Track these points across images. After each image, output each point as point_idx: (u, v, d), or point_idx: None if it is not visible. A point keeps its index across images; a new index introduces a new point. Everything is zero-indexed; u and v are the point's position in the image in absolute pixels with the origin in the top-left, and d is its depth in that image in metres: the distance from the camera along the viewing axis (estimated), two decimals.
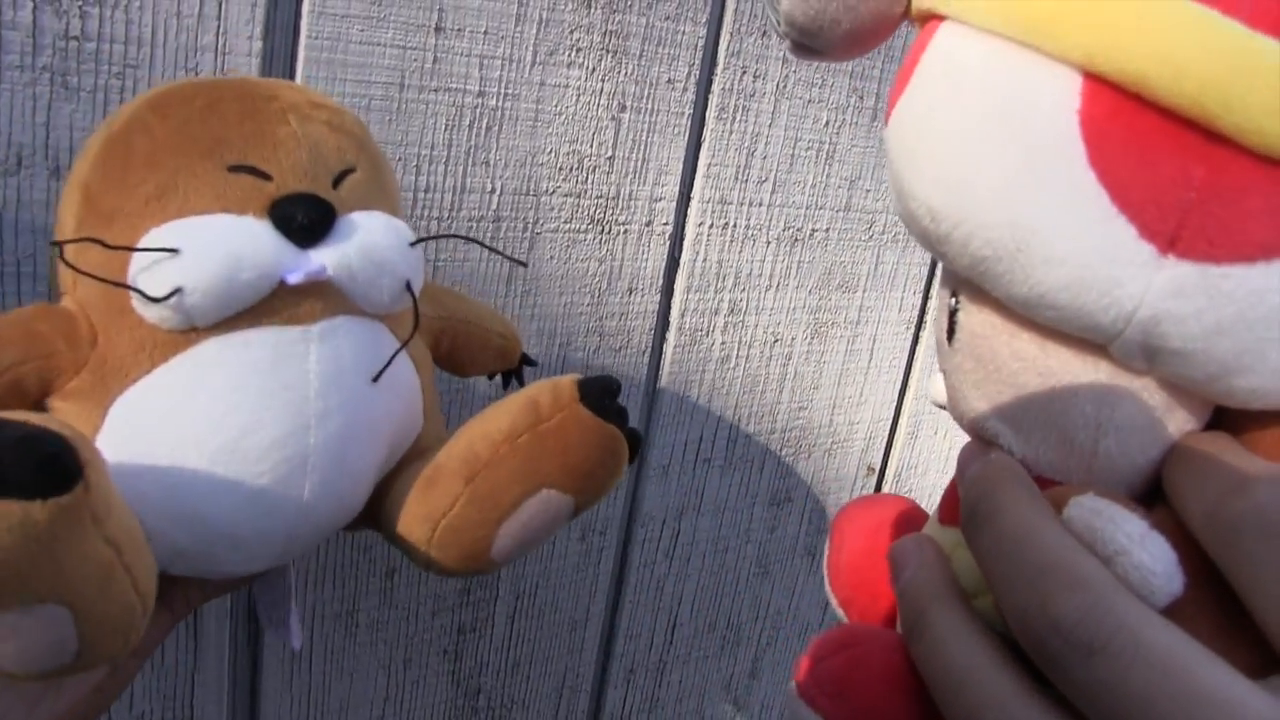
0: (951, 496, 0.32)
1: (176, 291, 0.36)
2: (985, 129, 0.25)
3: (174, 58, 0.49)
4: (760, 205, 0.72)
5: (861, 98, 0.74)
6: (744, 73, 0.67)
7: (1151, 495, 0.27)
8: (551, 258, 0.64)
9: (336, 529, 0.44)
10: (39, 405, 0.38)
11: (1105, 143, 0.23)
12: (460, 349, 0.52)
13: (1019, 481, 0.26)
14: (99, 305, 0.38)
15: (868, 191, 0.77)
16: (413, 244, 0.43)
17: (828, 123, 0.73)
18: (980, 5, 0.25)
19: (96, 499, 0.30)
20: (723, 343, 0.74)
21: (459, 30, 0.56)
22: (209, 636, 0.59)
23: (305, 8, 0.52)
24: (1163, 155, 0.23)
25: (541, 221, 0.62)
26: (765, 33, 0.67)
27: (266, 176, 0.39)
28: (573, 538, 0.72)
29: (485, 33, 0.57)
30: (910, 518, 0.39)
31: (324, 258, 0.39)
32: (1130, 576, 0.23)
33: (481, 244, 0.50)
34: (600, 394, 0.46)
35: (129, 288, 0.37)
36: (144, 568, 0.33)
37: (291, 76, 0.52)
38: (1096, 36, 0.23)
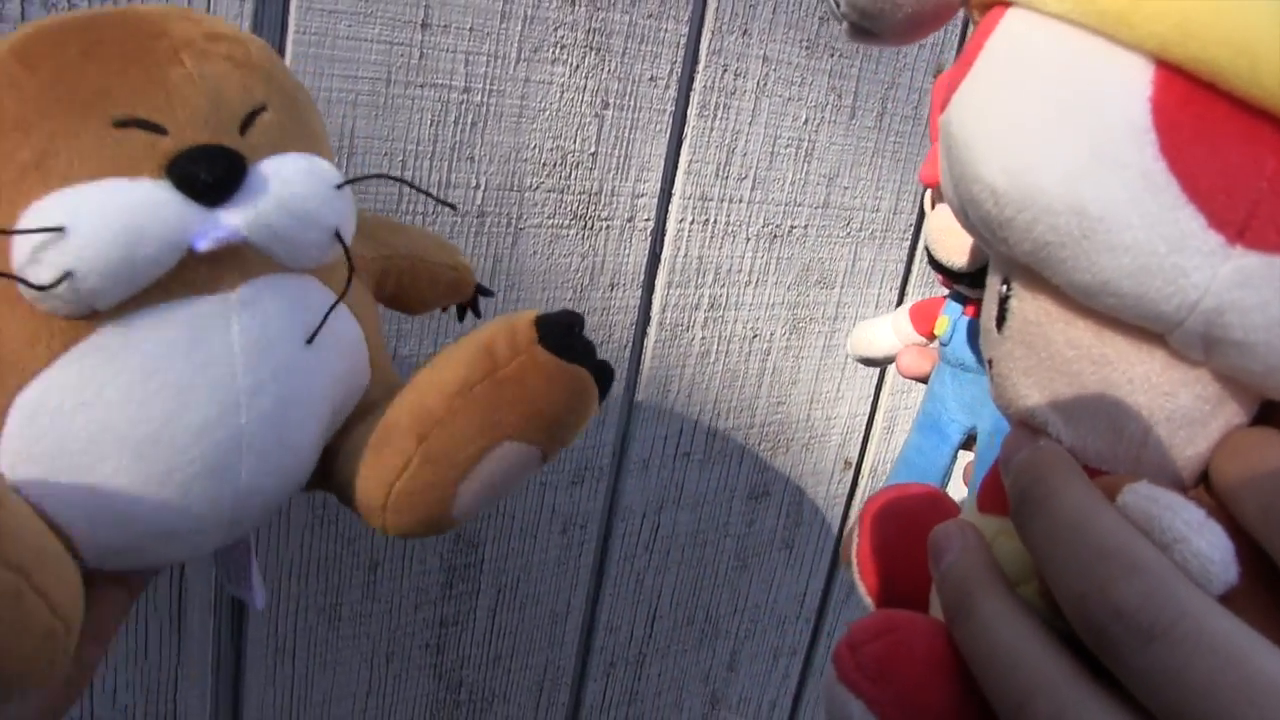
0: (992, 485, 0.32)
1: (67, 276, 0.32)
2: (1055, 116, 0.25)
3: None
4: (740, 202, 0.73)
5: (840, 96, 0.75)
6: (725, 71, 0.68)
7: (1193, 488, 0.27)
8: (535, 253, 0.64)
9: (285, 501, 0.41)
10: None
11: (1177, 132, 0.23)
12: (408, 288, 0.48)
13: (1071, 468, 0.26)
14: None
15: (845, 189, 0.78)
16: (339, 186, 0.38)
17: (807, 120, 0.74)
18: None
19: (4, 532, 0.28)
20: (703, 338, 0.75)
21: (445, 26, 0.56)
22: (192, 629, 0.59)
23: (293, 3, 0.52)
24: (1235, 145, 0.23)
25: (525, 217, 0.63)
26: (746, 31, 0.68)
27: (160, 130, 0.34)
28: (554, 531, 0.73)
29: (471, 29, 0.57)
30: (939, 505, 0.39)
31: (236, 217, 0.35)
32: (1189, 564, 0.23)
33: (409, 184, 0.45)
34: (562, 332, 0.41)
35: (10, 277, 0.32)
36: (61, 585, 0.31)
37: None
38: (1171, 25, 0.23)
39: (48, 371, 0.33)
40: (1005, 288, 0.29)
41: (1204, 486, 0.27)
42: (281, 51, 0.52)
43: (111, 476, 0.34)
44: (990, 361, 0.31)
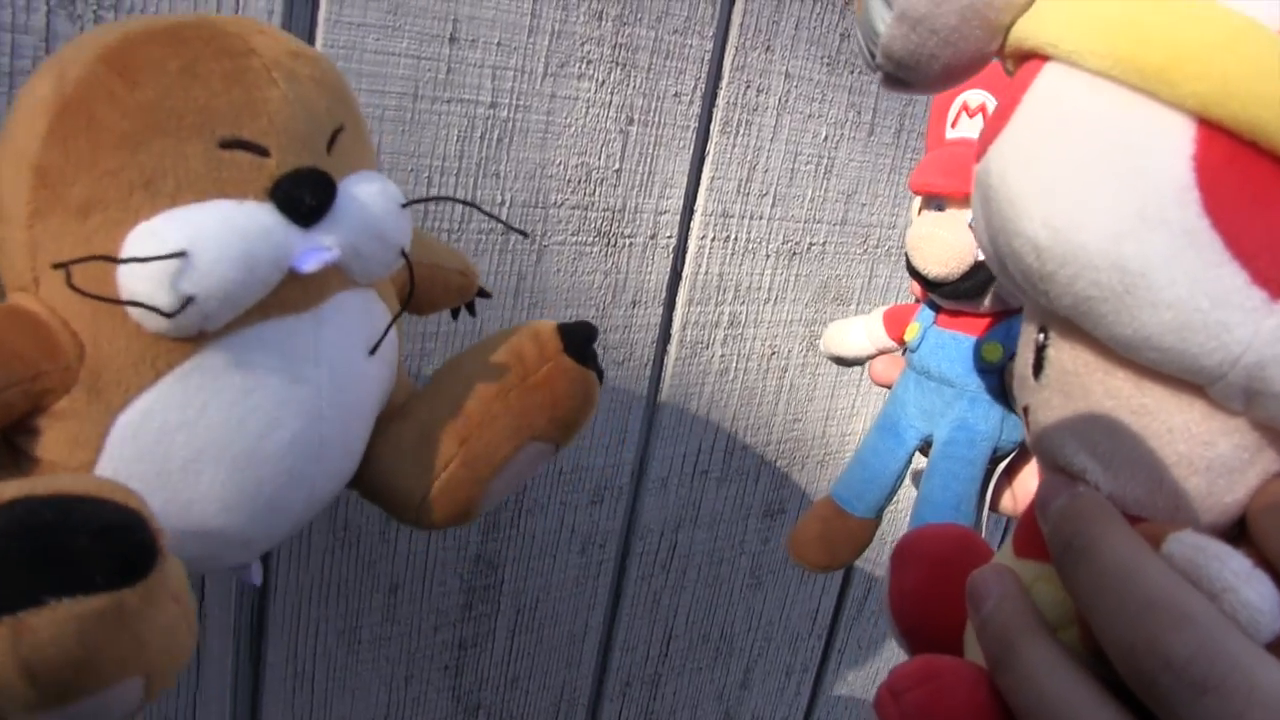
0: (1028, 529, 0.31)
1: (189, 301, 0.32)
2: (1098, 173, 0.25)
3: None
4: (760, 219, 0.72)
5: (859, 113, 0.74)
6: (748, 87, 0.68)
7: (1229, 536, 0.27)
8: (558, 270, 0.63)
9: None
10: (24, 426, 0.34)
11: (1220, 190, 0.23)
12: (423, 292, 0.49)
13: (1113, 516, 0.26)
14: (80, 311, 0.33)
15: (863, 206, 0.78)
16: (403, 206, 0.40)
17: (826, 138, 0.73)
18: (1093, 49, 0.25)
19: (168, 564, 0.29)
20: (722, 355, 0.74)
21: (472, 40, 0.55)
22: (211, 653, 0.57)
23: (321, 16, 0.51)
24: (1277, 202, 0.23)
25: (549, 234, 0.62)
26: (769, 47, 0.68)
27: (264, 152, 0.35)
28: (573, 551, 0.72)
29: (498, 44, 0.56)
30: (972, 548, 0.39)
31: (329, 238, 0.36)
32: (1238, 614, 0.23)
33: (480, 209, 0.46)
34: (583, 342, 0.45)
35: (142, 306, 0.32)
36: (193, 604, 0.32)
37: None
38: (1212, 84, 0.23)
39: (153, 392, 0.34)
40: (1042, 336, 0.29)
41: (1241, 534, 0.27)
42: None
43: (206, 492, 0.35)
44: (1026, 409, 0.31)
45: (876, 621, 0.97)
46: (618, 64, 0.61)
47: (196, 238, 0.32)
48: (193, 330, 0.33)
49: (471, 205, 0.47)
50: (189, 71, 0.34)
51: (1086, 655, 0.26)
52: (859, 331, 0.65)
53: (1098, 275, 0.25)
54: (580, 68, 0.60)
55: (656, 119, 0.64)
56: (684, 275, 0.70)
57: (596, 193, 0.63)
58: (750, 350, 0.76)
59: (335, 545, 0.60)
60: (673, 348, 0.71)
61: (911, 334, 0.55)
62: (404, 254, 0.40)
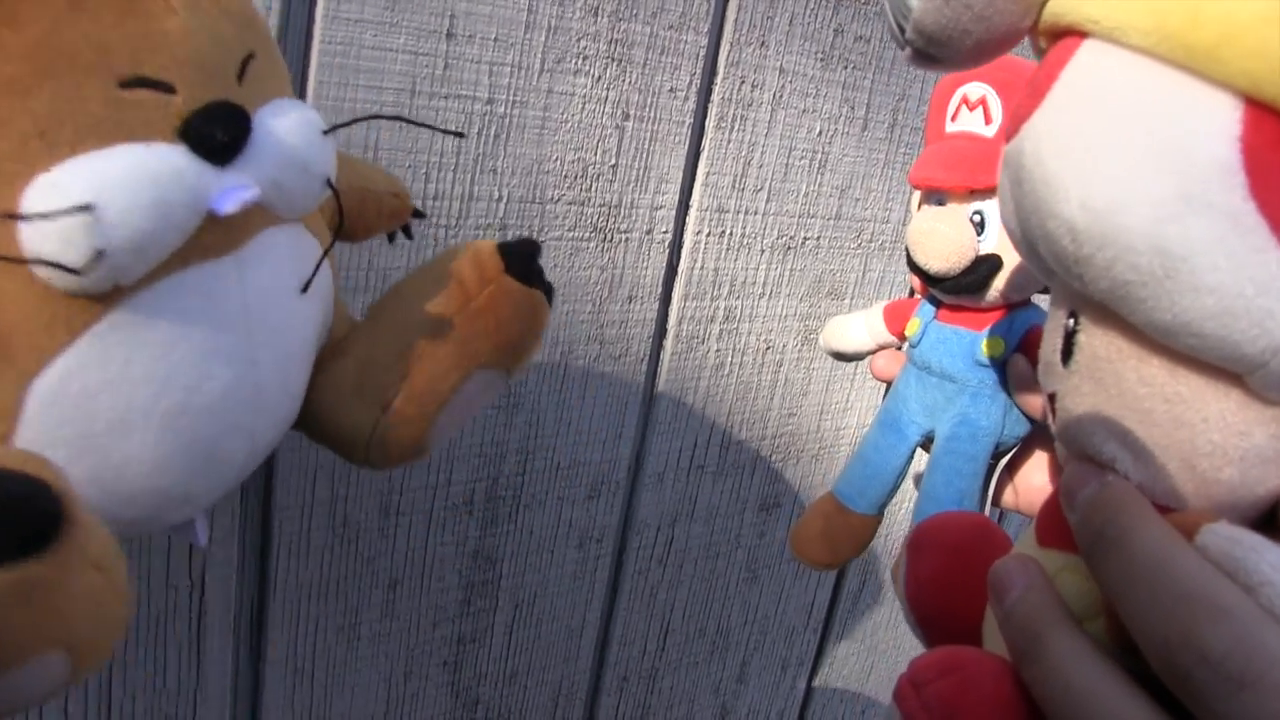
0: (1052, 517, 0.31)
1: (99, 256, 0.29)
2: (1140, 154, 0.24)
3: None
4: (756, 214, 0.72)
5: (853, 108, 0.75)
6: (742, 82, 0.68)
7: (1259, 526, 0.26)
8: (555, 266, 0.63)
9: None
10: None
11: (1267, 172, 0.23)
12: (355, 218, 0.47)
13: (1144, 506, 0.26)
14: None
15: (857, 200, 0.78)
16: (325, 132, 0.37)
17: (821, 132, 0.74)
18: (1135, 25, 0.25)
19: (82, 532, 0.27)
20: (717, 350, 0.75)
21: (470, 36, 0.56)
22: (211, 652, 0.57)
23: (319, 12, 0.51)
24: None
25: (546, 230, 0.62)
26: (763, 42, 0.68)
27: (169, 88, 0.32)
28: (570, 545, 0.72)
29: (495, 39, 0.56)
30: (990, 536, 0.38)
31: (247, 175, 0.34)
32: (1276, 608, 0.22)
33: (414, 122, 0.44)
34: (526, 260, 0.43)
35: (44, 263, 0.29)
36: (122, 570, 0.30)
37: (304, 80, 0.52)
38: (1263, 63, 0.22)
39: (67, 354, 0.31)
40: (1072, 321, 0.29)
41: (1272, 524, 0.26)
42: (306, 61, 0.52)
43: (137, 452, 0.33)
44: (1052, 395, 0.30)
45: (872, 615, 0.98)
46: (614, 59, 0.61)
47: (103, 187, 0.29)
48: (106, 286, 0.31)
49: (405, 120, 0.44)
50: (77, 6, 0.30)
51: (1114, 647, 0.26)
52: (859, 327, 0.65)
53: (1137, 259, 0.24)
54: (576, 63, 0.60)
55: (652, 114, 0.64)
56: (680, 270, 0.70)
57: (593, 188, 0.63)
58: (745, 345, 0.76)
59: (334, 542, 0.60)
60: (669, 343, 0.71)
61: (912, 329, 0.55)
62: (329, 184, 0.37)
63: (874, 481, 0.57)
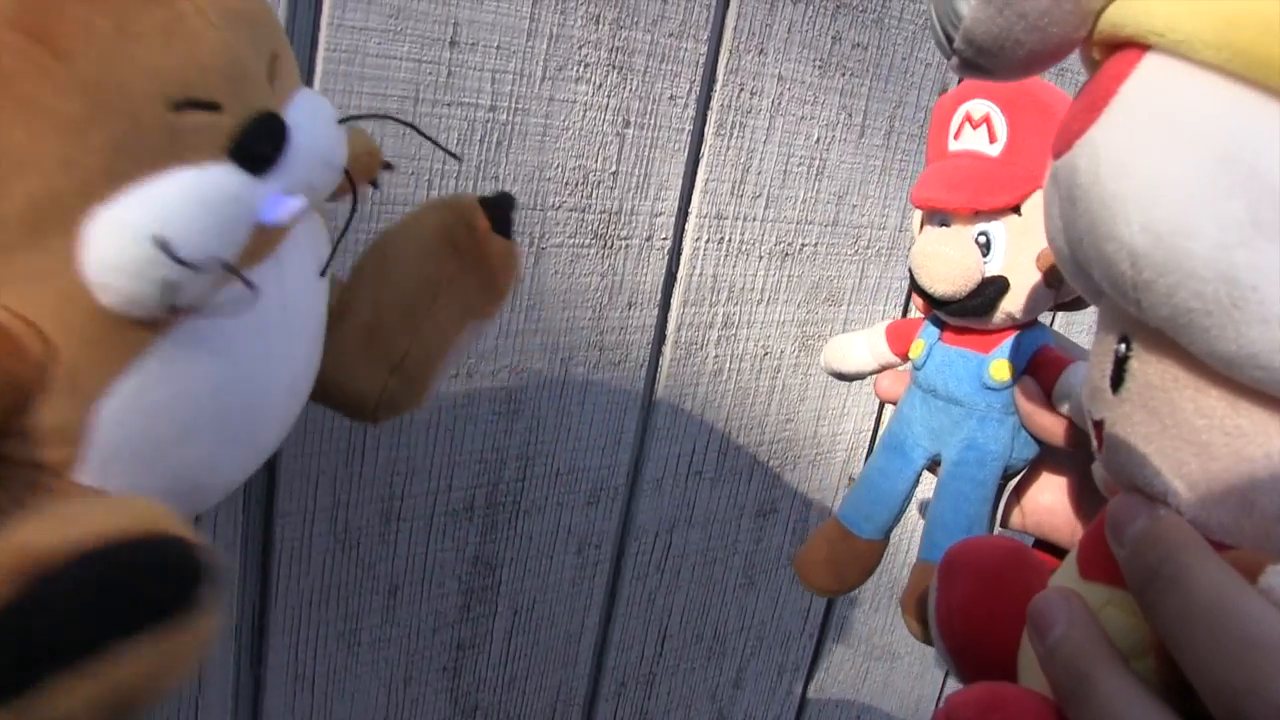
0: (1095, 549, 0.30)
1: (168, 286, 0.30)
2: (1206, 175, 0.23)
3: None
4: (754, 220, 0.73)
5: (850, 115, 0.75)
6: (741, 90, 0.68)
7: None
8: (556, 273, 0.64)
9: None
10: (3, 430, 0.32)
11: None
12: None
13: (1200, 544, 0.25)
14: (43, 304, 0.30)
15: (854, 207, 0.78)
16: (340, 123, 0.38)
17: (819, 139, 0.74)
18: (1205, 39, 0.23)
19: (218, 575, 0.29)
20: (716, 356, 0.75)
21: (473, 44, 0.56)
22: (212, 659, 0.57)
23: (324, 20, 0.51)
24: None
25: (547, 237, 0.63)
26: (762, 50, 0.68)
27: (217, 107, 0.32)
28: (569, 551, 0.72)
29: (498, 47, 0.57)
30: (1025, 562, 0.37)
31: (286, 180, 0.34)
32: None
33: (420, 131, 0.44)
34: (505, 215, 0.45)
35: (128, 304, 0.30)
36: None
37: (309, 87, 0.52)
38: None
39: (131, 375, 0.32)
40: (1124, 347, 0.27)
41: None
42: (311, 69, 0.52)
43: (199, 457, 0.35)
44: (1099, 422, 0.29)
45: (868, 621, 0.98)
46: (614, 67, 0.62)
47: (167, 220, 0.30)
48: (171, 310, 0.32)
49: (412, 127, 0.44)
50: (123, 31, 0.30)
51: (1163, 688, 0.25)
52: (860, 347, 0.64)
53: (1202, 286, 0.23)
54: (577, 71, 0.60)
55: (652, 122, 0.65)
56: (679, 277, 0.70)
57: (593, 195, 0.64)
58: (743, 351, 0.76)
59: (335, 548, 0.60)
60: (668, 349, 0.72)
61: (916, 351, 0.54)
62: (346, 172, 0.39)
63: (879, 506, 0.56)
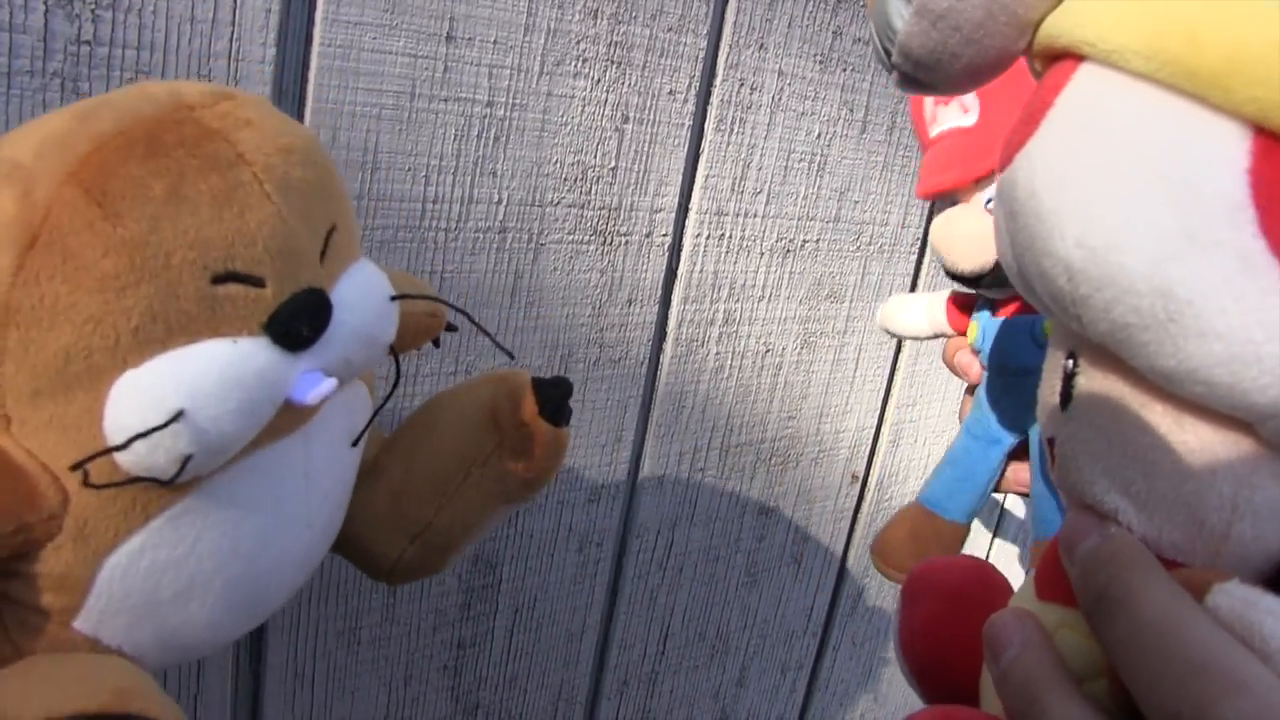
0: (1051, 570, 0.29)
1: (187, 460, 0.30)
2: (1139, 188, 0.22)
3: (186, 64, 0.48)
4: (755, 216, 0.72)
5: (851, 110, 0.75)
6: (741, 85, 0.68)
7: (1272, 582, 0.25)
8: (555, 269, 0.63)
9: None
10: (7, 571, 0.32)
11: (1278, 208, 0.21)
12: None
13: (1149, 563, 0.24)
14: (61, 453, 0.31)
15: (856, 203, 0.78)
16: (392, 299, 0.38)
17: (820, 135, 0.74)
18: (1134, 48, 0.23)
19: None
20: (717, 353, 0.74)
21: (469, 39, 0.55)
22: (212, 658, 0.57)
23: (319, 15, 0.51)
24: None
25: (546, 233, 0.62)
26: (762, 45, 0.68)
27: (260, 283, 0.32)
28: (570, 549, 0.72)
29: (495, 42, 0.56)
30: (989, 583, 0.37)
31: (322, 358, 0.34)
32: None
33: (469, 317, 0.43)
34: (559, 401, 0.44)
35: (142, 480, 0.30)
36: None
37: (304, 84, 0.52)
38: (1272, 91, 0.21)
39: (142, 534, 0.32)
40: (1071, 363, 0.27)
41: None
42: (306, 64, 0.51)
43: (196, 616, 0.35)
44: (1052, 440, 0.29)
45: (871, 618, 0.98)
46: (613, 62, 0.61)
47: (193, 394, 0.30)
48: (188, 479, 0.32)
49: (464, 313, 0.43)
50: (176, 196, 0.30)
51: (1116, 710, 0.24)
52: (919, 313, 0.62)
53: (1139, 301, 0.22)
54: (576, 66, 0.60)
55: (651, 117, 0.64)
56: (679, 273, 0.70)
57: (592, 191, 0.63)
58: (745, 348, 0.76)
59: None
60: (668, 346, 0.71)
61: (973, 335, 0.53)
62: (392, 350, 0.38)
63: (965, 485, 0.55)
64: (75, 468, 0.30)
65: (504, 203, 0.60)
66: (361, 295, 0.36)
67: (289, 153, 0.34)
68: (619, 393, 0.70)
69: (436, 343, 0.54)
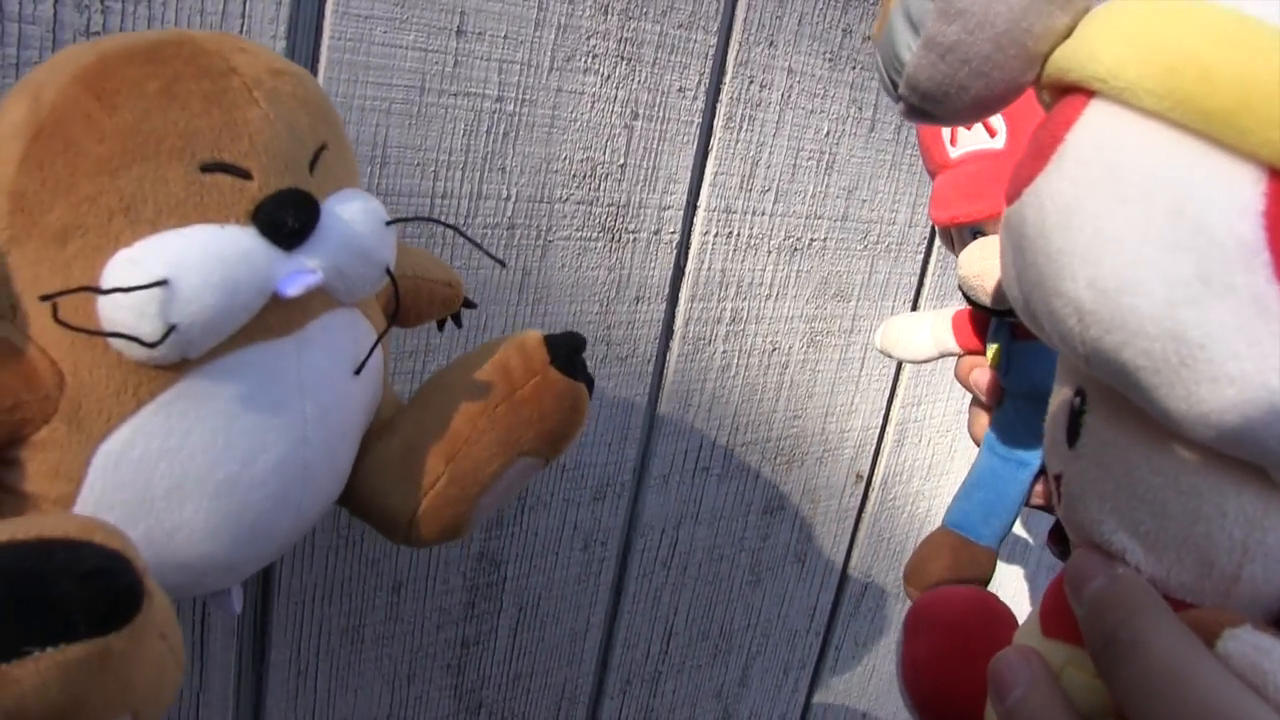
0: (1056, 606, 0.29)
1: (171, 330, 0.31)
2: (1151, 230, 0.22)
3: None
4: (763, 214, 0.72)
5: (860, 109, 0.74)
6: (751, 82, 0.68)
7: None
8: (563, 266, 0.63)
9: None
10: (2, 458, 0.33)
11: None
12: (409, 306, 0.48)
13: (1159, 606, 0.24)
14: (59, 339, 0.32)
15: (864, 202, 0.78)
16: (388, 224, 0.39)
17: (828, 133, 0.73)
18: (1149, 87, 0.22)
19: (156, 605, 0.28)
20: (724, 351, 0.74)
21: (480, 33, 0.55)
22: (214, 656, 0.57)
23: (329, 7, 0.50)
24: None
25: (554, 229, 0.62)
26: (772, 42, 0.67)
27: (246, 175, 0.34)
28: (575, 548, 0.71)
29: (505, 36, 0.56)
30: (992, 614, 0.36)
31: (313, 260, 0.35)
32: None
33: (459, 231, 0.45)
34: (570, 353, 0.44)
35: (124, 337, 0.31)
36: (180, 636, 0.31)
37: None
38: None
39: (133, 420, 0.33)
40: (1079, 400, 0.27)
41: None
42: (316, 57, 0.51)
43: (189, 520, 0.35)
44: (1058, 477, 0.28)
45: (874, 618, 0.97)
46: (623, 58, 0.61)
47: (178, 265, 0.31)
48: (175, 358, 0.33)
49: (450, 226, 0.44)
50: (167, 93, 0.33)
51: None
52: (924, 334, 0.61)
53: (1150, 344, 0.22)
54: (586, 62, 0.60)
55: (661, 114, 0.64)
56: (687, 271, 0.70)
57: (601, 188, 0.63)
58: (751, 346, 0.76)
59: (339, 544, 0.60)
60: (675, 344, 0.71)
61: (994, 359, 0.52)
62: (388, 272, 0.39)
63: (997, 509, 0.54)
64: (46, 298, 0.32)
65: (512, 199, 0.59)
66: (354, 210, 0.37)
67: (279, 73, 0.36)
68: (625, 390, 0.69)
69: (458, 321, 0.55)
